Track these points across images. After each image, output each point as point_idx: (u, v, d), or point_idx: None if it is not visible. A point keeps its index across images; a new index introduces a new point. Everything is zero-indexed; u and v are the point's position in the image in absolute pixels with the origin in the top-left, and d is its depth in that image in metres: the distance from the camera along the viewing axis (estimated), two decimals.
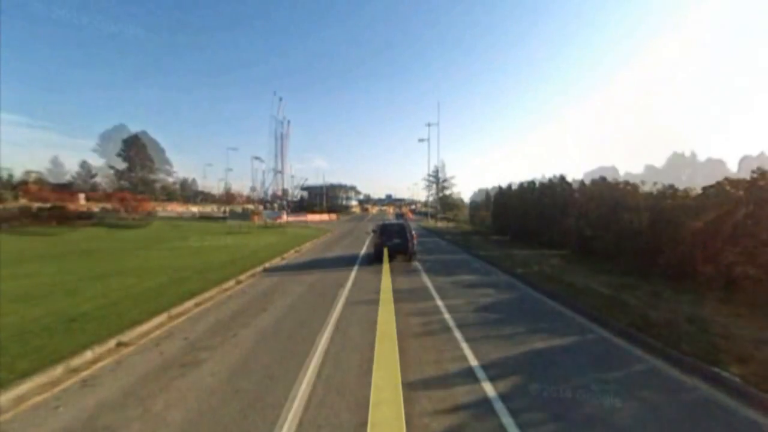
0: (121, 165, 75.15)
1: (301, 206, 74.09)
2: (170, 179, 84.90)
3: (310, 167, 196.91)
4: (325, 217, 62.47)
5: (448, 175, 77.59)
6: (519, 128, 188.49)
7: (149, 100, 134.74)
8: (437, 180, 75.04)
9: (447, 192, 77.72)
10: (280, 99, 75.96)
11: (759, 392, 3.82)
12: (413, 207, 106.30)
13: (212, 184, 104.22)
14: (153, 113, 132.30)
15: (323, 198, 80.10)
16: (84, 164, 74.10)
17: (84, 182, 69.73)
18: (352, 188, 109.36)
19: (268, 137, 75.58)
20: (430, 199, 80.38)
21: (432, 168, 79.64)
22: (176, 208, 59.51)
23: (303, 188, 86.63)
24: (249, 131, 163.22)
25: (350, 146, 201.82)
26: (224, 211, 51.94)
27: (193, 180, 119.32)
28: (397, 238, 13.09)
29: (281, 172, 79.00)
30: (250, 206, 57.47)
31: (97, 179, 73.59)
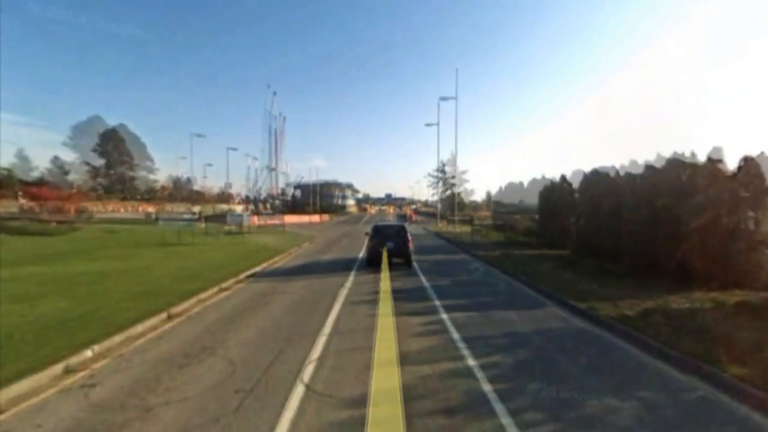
0: (98, 161, 69.75)
1: (292, 206, 71.56)
2: (152, 176, 79.04)
3: (308, 167, 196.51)
4: (309, 218, 52.71)
5: (452, 171, 68.71)
6: (518, 129, 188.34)
7: (149, 100, 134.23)
8: (441, 177, 68.19)
9: (456, 189, 68.50)
10: (274, 93, 74.00)
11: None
12: (414, 206, 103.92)
13: (212, 184, 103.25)
14: (152, 113, 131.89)
15: (320, 197, 77.82)
16: (56, 159, 67.92)
17: (56, 179, 63.29)
18: (349, 186, 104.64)
19: (270, 136, 74.11)
20: (435, 197, 73.36)
21: (439, 163, 70.96)
22: (168, 207, 56.30)
23: (295, 186, 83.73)
24: (250, 131, 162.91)
25: (350, 146, 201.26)
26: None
27: (187, 179, 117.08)
28: (393, 240, 12.56)
29: (275, 170, 77.13)
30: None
31: (71, 177, 67.97)
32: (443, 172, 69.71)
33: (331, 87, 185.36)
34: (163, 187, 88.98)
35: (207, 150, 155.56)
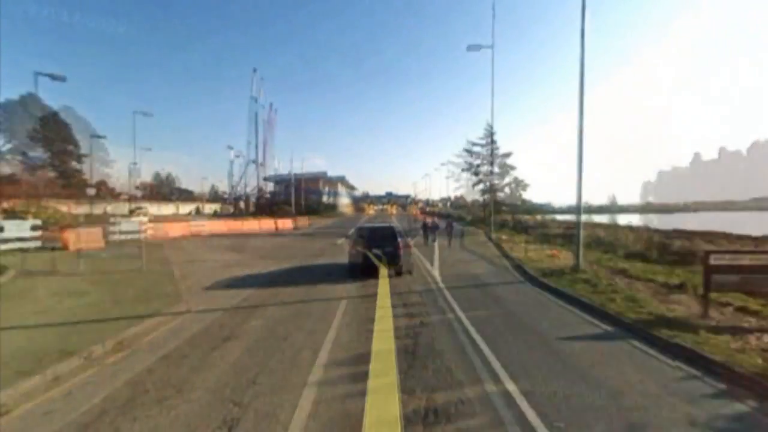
0: (35, 150, 57.59)
1: (259, 206, 57.68)
2: (106, 170, 65.44)
3: (306, 165, 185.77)
4: (242, 225, 30.07)
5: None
6: (518, 129, 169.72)
7: (147, 99, 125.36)
8: (487, 155, 35.18)
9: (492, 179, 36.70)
10: (255, 70, 61.54)
11: None
12: (420, 206, 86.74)
13: (208, 183, 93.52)
14: (150, 112, 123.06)
15: (300, 193, 63.20)
16: None
17: None
18: (341, 180, 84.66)
19: (249, 124, 62.60)
20: (479, 187, 38.12)
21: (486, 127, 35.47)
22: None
23: (265, 178, 68.97)
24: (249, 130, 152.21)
25: (350, 146, 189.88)
26: None
27: (170, 175, 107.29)
28: (384, 244, 10.49)
29: (255, 162, 65.09)
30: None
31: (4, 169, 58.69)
32: (493, 139, 35.26)
33: (330, 87, 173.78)
34: (148, 185, 78.97)
35: (207, 149, 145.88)
